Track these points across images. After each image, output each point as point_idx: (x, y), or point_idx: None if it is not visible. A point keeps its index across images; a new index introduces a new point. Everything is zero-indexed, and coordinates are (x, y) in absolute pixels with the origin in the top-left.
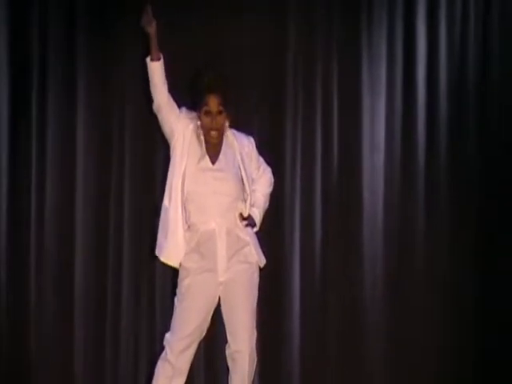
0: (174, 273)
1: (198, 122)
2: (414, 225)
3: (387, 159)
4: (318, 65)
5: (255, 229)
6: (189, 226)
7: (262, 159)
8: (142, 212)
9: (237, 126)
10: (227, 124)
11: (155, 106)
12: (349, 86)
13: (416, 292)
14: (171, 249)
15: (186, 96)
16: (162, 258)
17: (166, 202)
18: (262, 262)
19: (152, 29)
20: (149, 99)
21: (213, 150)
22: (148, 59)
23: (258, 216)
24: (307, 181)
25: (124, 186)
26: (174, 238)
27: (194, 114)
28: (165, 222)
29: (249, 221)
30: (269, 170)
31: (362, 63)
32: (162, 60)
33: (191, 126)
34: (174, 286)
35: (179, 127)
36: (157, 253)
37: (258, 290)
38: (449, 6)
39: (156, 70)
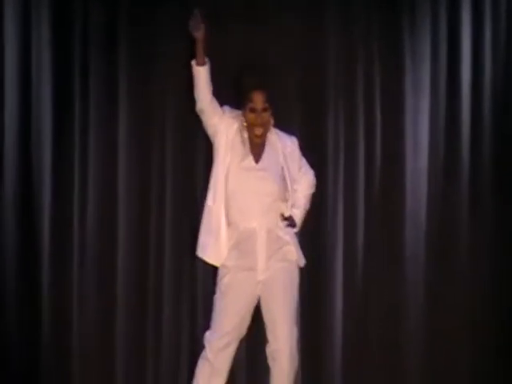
0: (215, 271)
1: (243, 120)
2: (457, 228)
3: (431, 160)
4: (359, 65)
5: (295, 229)
6: (229, 224)
7: (304, 160)
8: (183, 211)
9: (279, 126)
10: (272, 122)
11: (198, 108)
12: (391, 87)
13: (458, 297)
14: (215, 248)
15: (230, 94)
16: (206, 258)
17: (209, 201)
18: (302, 261)
19: (200, 34)
20: (191, 101)
21: (256, 149)
22: (194, 63)
23: (298, 217)
24: (350, 183)
25: (166, 185)
26: (217, 238)
27: (237, 113)
28: (208, 221)
29: (289, 221)
30: (311, 171)
31: (405, 63)
32: (207, 65)
33: (235, 125)
34: (215, 284)
35: (222, 127)
36: (199, 252)
37: (300, 291)
38: (493, 4)
39: (201, 75)
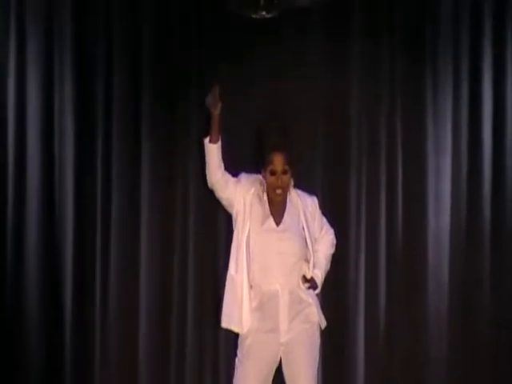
0: (236, 335)
1: (262, 181)
2: (480, 287)
3: (453, 220)
4: (381, 121)
5: (317, 291)
6: (252, 286)
7: (324, 219)
8: (205, 280)
9: (300, 183)
10: (292, 183)
11: (209, 184)
12: (413, 145)
13: (481, 348)
14: (239, 317)
15: (249, 154)
16: (232, 328)
17: (231, 271)
18: (323, 323)
19: (216, 111)
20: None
21: (277, 210)
22: (206, 140)
23: (319, 278)
24: (372, 242)
25: (188, 254)
26: (241, 307)
27: (254, 177)
28: (232, 291)
29: (311, 283)
30: (331, 230)
31: (426, 121)
32: (219, 142)
33: (251, 190)
34: (236, 346)
35: (238, 197)
36: (224, 323)
37: (321, 351)
38: None
39: (213, 152)
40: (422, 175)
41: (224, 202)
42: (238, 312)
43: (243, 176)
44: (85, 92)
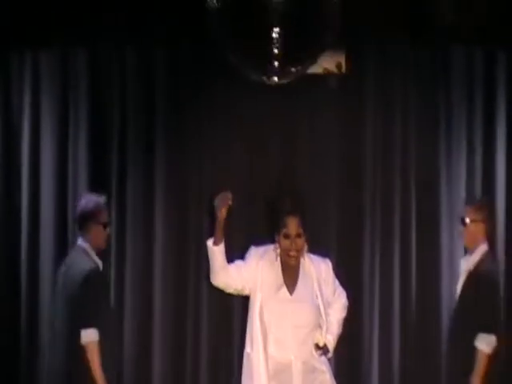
0: None
1: (276, 246)
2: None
3: None
4: (395, 185)
5: (329, 355)
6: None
7: (337, 282)
8: (219, 356)
9: (313, 245)
10: (306, 247)
11: (214, 283)
12: (427, 210)
13: None
14: None
15: (262, 215)
16: None
17: (247, 348)
18: None
19: (223, 213)
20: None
21: (290, 277)
22: (210, 243)
23: (331, 343)
24: (385, 306)
25: (200, 335)
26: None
27: (265, 247)
28: (248, 369)
29: (324, 350)
30: (344, 293)
31: (440, 187)
32: (222, 244)
33: (264, 258)
34: None
35: (246, 279)
36: None
37: None
38: None
39: (216, 254)
40: (435, 241)
41: (235, 293)
42: None
43: (252, 250)
44: (99, 152)
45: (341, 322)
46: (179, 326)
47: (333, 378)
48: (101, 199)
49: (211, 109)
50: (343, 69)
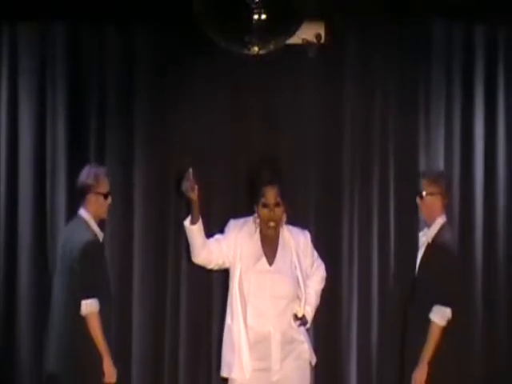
0: None
1: (255, 218)
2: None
3: None
4: (374, 157)
5: (307, 326)
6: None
7: (316, 254)
8: (198, 328)
9: (292, 218)
10: (284, 218)
11: (195, 262)
12: (405, 181)
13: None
14: (239, 365)
15: (243, 188)
16: (232, 376)
17: (228, 320)
18: (314, 359)
19: (194, 195)
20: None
21: (269, 248)
22: (187, 223)
23: (310, 314)
24: (364, 274)
25: (180, 301)
26: (240, 355)
27: (244, 219)
28: (229, 340)
29: (302, 321)
30: (322, 266)
31: (419, 151)
32: (200, 222)
33: (243, 230)
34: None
35: (225, 253)
36: (224, 372)
37: None
38: (507, 101)
39: (194, 233)
40: (413, 213)
41: (216, 268)
42: (237, 360)
43: (231, 223)
44: (77, 130)
45: (319, 293)
46: (159, 300)
47: (311, 348)
48: (101, 170)
49: (192, 83)
50: (322, 39)
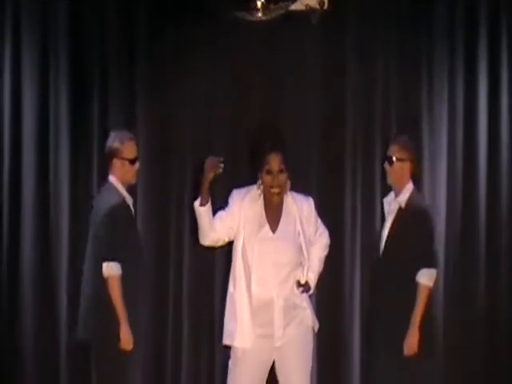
0: None
1: (259, 183)
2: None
3: (448, 224)
4: (376, 128)
5: (310, 292)
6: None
7: (319, 221)
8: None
9: (295, 185)
10: (288, 184)
11: (204, 244)
12: None
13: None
14: (241, 333)
15: (246, 159)
16: (234, 344)
17: (230, 288)
18: (317, 326)
19: (210, 175)
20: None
21: (273, 215)
22: (197, 204)
23: (313, 281)
24: (367, 240)
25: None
26: (242, 323)
27: (247, 188)
28: (232, 308)
29: (305, 287)
30: (326, 233)
31: (422, 125)
32: (209, 204)
33: (245, 200)
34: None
35: (232, 224)
36: (226, 340)
37: (316, 354)
38: (510, 65)
39: (203, 215)
40: (417, 180)
41: (223, 244)
42: (239, 328)
43: (234, 193)
44: (80, 101)
45: (323, 259)
46: (161, 270)
47: (314, 314)
48: (126, 135)
49: (192, 50)
50: (325, 6)
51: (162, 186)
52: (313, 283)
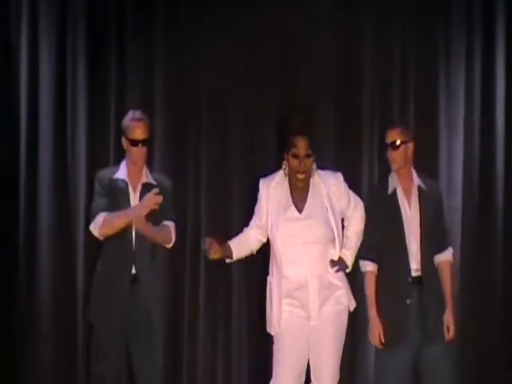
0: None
1: (285, 164)
2: (490, 261)
3: (464, 202)
4: (394, 104)
5: (347, 270)
6: (282, 276)
7: (352, 193)
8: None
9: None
10: (314, 167)
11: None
12: (426, 127)
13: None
14: (274, 321)
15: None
16: (272, 331)
17: (269, 275)
18: (353, 305)
19: (217, 256)
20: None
21: (299, 195)
22: (228, 261)
23: (349, 258)
24: None
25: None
26: (273, 310)
27: (272, 175)
28: (268, 295)
29: (340, 266)
30: (360, 204)
31: (439, 103)
32: (234, 254)
33: (271, 185)
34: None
35: (265, 220)
36: (268, 329)
37: (346, 332)
38: None
39: (238, 257)
40: (434, 156)
41: None
42: (275, 315)
43: (260, 185)
44: (97, 70)
45: (360, 235)
46: (178, 264)
47: (350, 293)
48: (136, 115)
49: (208, 28)
50: None
51: (181, 159)
52: (350, 261)
